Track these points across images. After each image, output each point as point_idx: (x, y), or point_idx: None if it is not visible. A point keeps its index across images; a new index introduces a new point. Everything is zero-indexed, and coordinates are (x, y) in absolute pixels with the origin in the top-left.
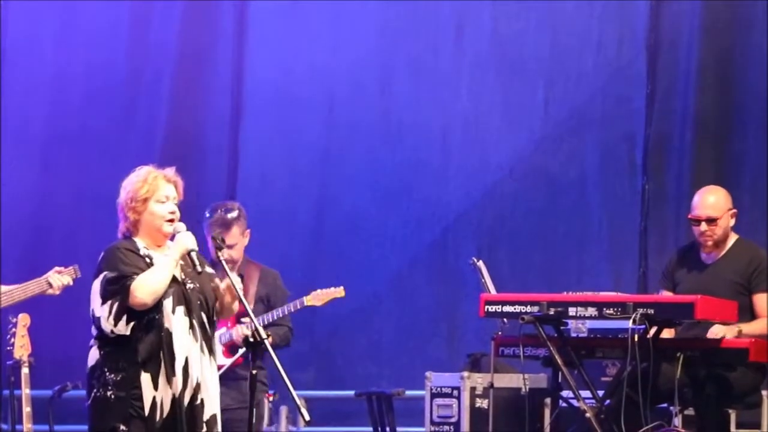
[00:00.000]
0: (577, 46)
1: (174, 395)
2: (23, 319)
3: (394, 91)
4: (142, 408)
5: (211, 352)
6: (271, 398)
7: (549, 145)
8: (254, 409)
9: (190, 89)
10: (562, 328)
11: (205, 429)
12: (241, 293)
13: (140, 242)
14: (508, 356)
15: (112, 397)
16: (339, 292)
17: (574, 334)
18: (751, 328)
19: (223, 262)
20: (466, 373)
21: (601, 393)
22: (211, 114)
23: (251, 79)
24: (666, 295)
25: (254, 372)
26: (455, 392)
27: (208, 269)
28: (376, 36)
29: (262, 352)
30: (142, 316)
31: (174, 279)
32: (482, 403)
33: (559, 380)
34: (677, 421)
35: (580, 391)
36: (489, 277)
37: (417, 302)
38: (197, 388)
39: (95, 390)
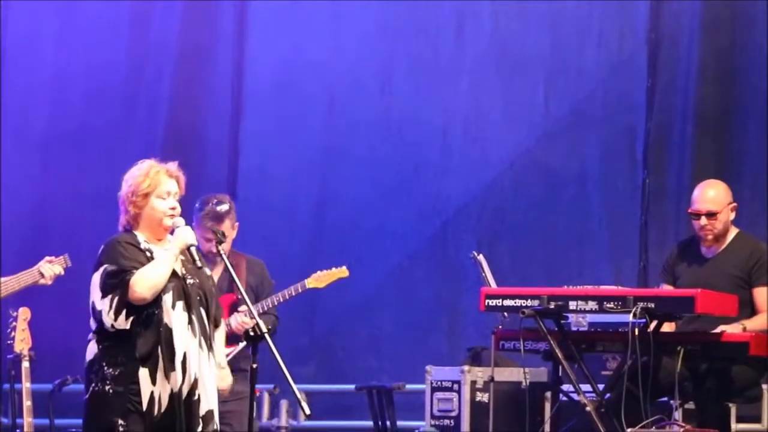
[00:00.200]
0: (577, 41)
1: (172, 390)
2: (24, 313)
3: (394, 87)
4: (140, 403)
5: (210, 347)
6: (258, 393)
7: (549, 139)
8: (253, 405)
9: (191, 86)
10: (562, 321)
11: (201, 424)
12: (242, 288)
13: (141, 236)
14: (508, 350)
15: (110, 391)
16: (342, 271)
17: (574, 328)
18: (753, 324)
19: (224, 256)
20: (466, 367)
21: (601, 387)
22: (212, 111)
23: (251, 76)
24: (666, 289)
25: (255, 366)
26: (456, 386)
27: (206, 270)
28: (376, 32)
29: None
30: (142, 311)
31: (174, 274)
32: (483, 397)
33: (560, 374)
34: (677, 414)
35: (581, 385)
36: (489, 271)
37: (417, 296)
38: (194, 384)
39: (93, 384)
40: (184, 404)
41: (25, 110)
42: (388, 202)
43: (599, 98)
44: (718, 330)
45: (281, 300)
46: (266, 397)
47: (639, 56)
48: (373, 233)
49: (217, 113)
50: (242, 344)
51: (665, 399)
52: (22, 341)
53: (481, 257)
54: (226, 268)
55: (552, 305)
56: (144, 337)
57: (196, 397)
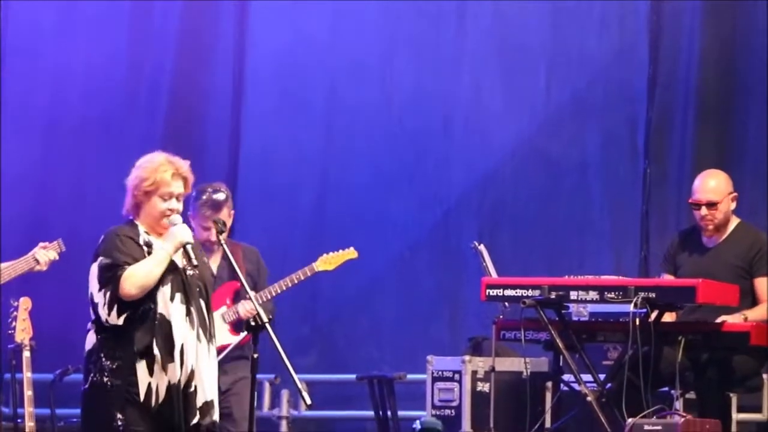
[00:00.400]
0: (578, 29)
1: (170, 382)
2: (24, 303)
3: (395, 75)
4: (138, 394)
5: (209, 339)
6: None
7: (550, 128)
8: (254, 394)
9: (192, 74)
10: (563, 311)
11: (198, 416)
12: (243, 278)
13: (141, 226)
14: (509, 340)
15: (109, 384)
16: (350, 253)
17: (575, 318)
18: (755, 314)
19: (225, 246)
20: (467, 357)
21: (602, 377)
22: (213, 98)
23: (253, 63)
24: (667, 278)
25: (255, 356)
26: (456, 376)
27: (205, 259)
28: (378, 20)
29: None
30: (137, 307)
31: (174, 265)
32: (483, 387)
33: (561, 364)
34: (678, 404)
35: (582, 375)
36: (490, 261)
37: (418, 286)
38: (191, 376)
39: (92, 374)
40: (182, 395)
41: (25, 100)
42: (389, 191)
43: (600, 87)
44: (719, 320)
45: (289, 285)
46: (267, 387)
47: (640, 45)
48: (374, 222)
49: (219, 101)
50: (243, 333)
51: (666, 389)
52: (23, 331)
53: (482, 247)
54: (224, 257)
55: (553, 295)
56: (141, 332)
57: (192, 389)
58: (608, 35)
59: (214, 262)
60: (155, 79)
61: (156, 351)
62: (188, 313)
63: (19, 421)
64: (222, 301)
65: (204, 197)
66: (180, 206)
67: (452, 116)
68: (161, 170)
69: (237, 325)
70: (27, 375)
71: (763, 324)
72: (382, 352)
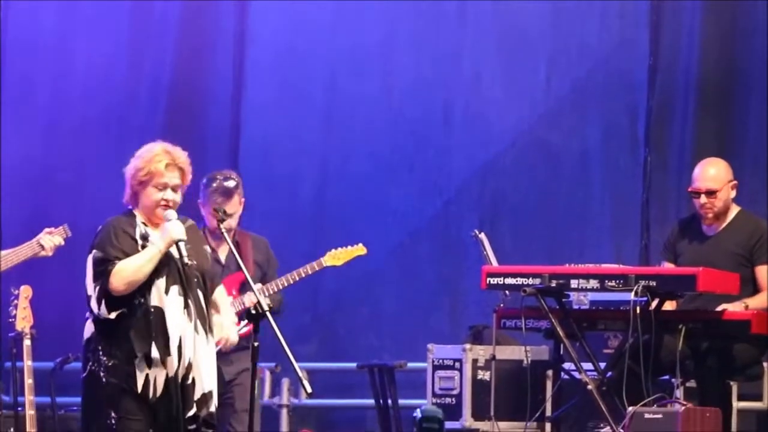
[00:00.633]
0: (579, 18)
1: (168, 375)
2: (25, 291)
3: (395, 65)
4: (135, 385)
5: (207, 330)
6: (260, 373)
7: (551, 117)
8: (255, 384)
9: (193, 61)
10: (563, 300)
11: (195, 407)
12: (244, 267)
13: (140, 216)
14: (510, 328)
15: (105, 381)
16: (359, 249)
17: (575, 306)
18: (756, 302)
19: (225, 235)
20: (468, 345)
21: (602, 365)
22: (213, 87)
23: (253, 54)
24: (668, 266)
25: (256, 345)
26: (457, 364)
27: (206, 247)
28: (378, 8)
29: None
30: (129, 303)
31: (170, 257)
32: (484, 375)
33: (561, 352)
34: (679, 393)
35: (582, 363)
36: (491, 249)
37: (419, 274)
38: (189, 368)
39: (90, 363)
40: (180, 388)
41: (26, 90)
42: (389, 181)
43: (601, 76)
44: (719, 308)
45: (297, 278)
46: (268, 376)
47: (641, 34)
48: (374, 211)
49: (219, 92)
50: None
51: (666, 377)
52: (23, 319)
53: (482, 235)
54: (235, 242)
55: (553, 283)
56: (135, 329)
57: (189, 381)
58: (609, 25)
59: (224, 252)
60: (155, 71)
61: (154, 347)
62: (186, 305)
63: (19, 409)
64: (228, 292)
65: (214, 185)
66: (176, 197)
67: (452, 106)
68: (156, 160)
69: (242, 316)
70: (27, 363)
71: (763, 312)
72: (383, 340)
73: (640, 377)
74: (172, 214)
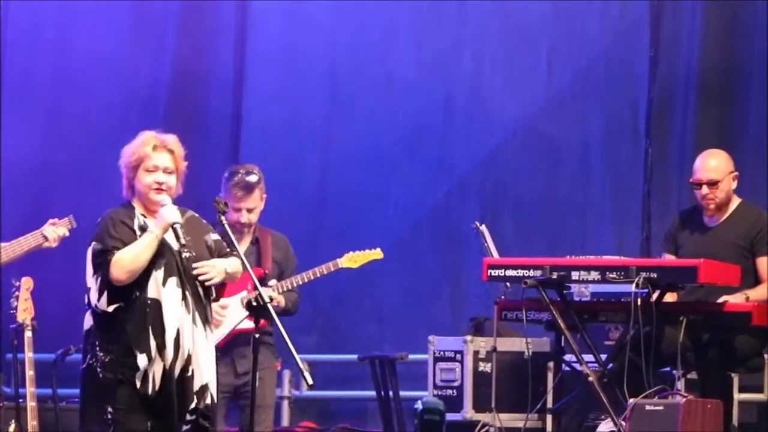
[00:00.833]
0: (580, 9)
1: (165, 367)
2: (26, 283)
3: (396, 55)
4: (134, 377)
5: (206, 322)
6: (279, 367)
7: (552, 108)
8: (257, 375)
9: (193, 56)
10: (565, 292)
11: (195, 400)
12: (246, 263)
13: (138, 208)
14: (511, 320)
15: (102, 376)
16: (376, 253)
17: (577, 298)
18: (756, 294)
19: (226, 227)
20: (469, 337)
21: (604, 357)
22: (214, 77)
23: (254, 44)
24: (668, 258)
25: (257, 336)
26: (458, 356)
27: (213, 236)
28: None
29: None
30: (127, 296)
31: (168, 249)
32: (485, 367)
33: (562, 344)
34: (680, 384)
35: (583, 355)
36: (492, 241)
37: (420, 266)
38: (188, 360)
39: (89, 356)
40: (178, 380)
41: (26, 79)
42: (391, 172)
43: (602, 67)
44: (720, 300)
45: (312, 277)
46: (287, 372)
47: (641, 25)
48: (375, 203)
49: (220, 82)
50: (243, 315)
51: (668, 369)
52: (24, 311)
53: (483, 227)
54: (253, 242)
55: (554, 275)
56: (132, 322)
57: (189, 373)
58: (609, 16)
59: (243, 246)
60: (157, 60)
61: (151, 340)
62: (184, 297)
63: (20, 401)
64: (243, 286)
65: (236, 178)
66: (170, 179)
67: (453, 97)
68: (144, 144)
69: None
70: (29, 355)
71: (764, 304)
72: (384, 332)
73: (641, 369)
74: (165, 198)
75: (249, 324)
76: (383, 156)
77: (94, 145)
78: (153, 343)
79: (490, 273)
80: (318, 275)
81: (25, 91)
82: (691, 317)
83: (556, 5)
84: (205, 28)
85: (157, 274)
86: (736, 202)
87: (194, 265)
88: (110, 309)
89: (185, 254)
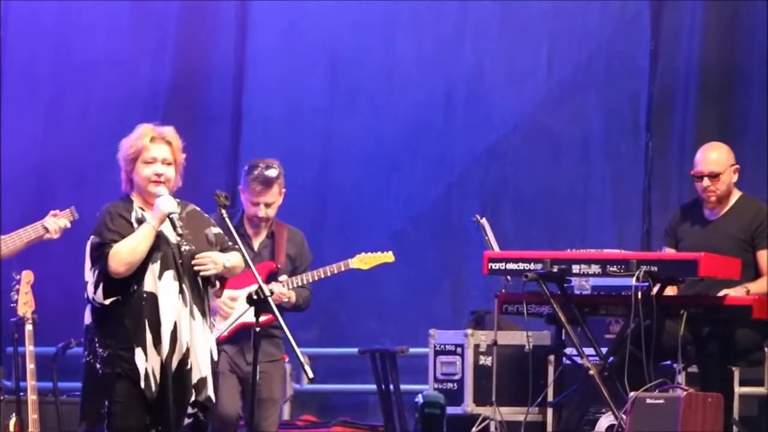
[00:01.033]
0: (580, 3)
1: (162, 361)
2: (27, 276)
3: (397, 49)
4: (132, 371)
5: (204, 315)
6: (287, 359)
7: (552, 102)
8: (258, 369)
9: (194, 48)
10: (565, 285)
11: (194, 393)
12: (248, 259)
13: (137, 201)
14: (511, 313)
15: (100, 372)
16: (387, 256)
17: (577, 292)
18: (757, 287)
19: (227, 220)
20: (469, 331)
21: (604, 350)
22: (215, 71)
23: (254, 37)
24: (669, 252)
25: (258, 329)
26: (459, 349)
27: (215, 229)
28: None
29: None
30: (124, 290)
31: (165, 241)
32: (486, 361)
33: (563, 337)
34: (680, 378)
35: (584, 349)
36: (492, 235)
37: (421, 260)
38: (186, 353)
39: (88, 352)
40: (176, 373)
41: (27, 72)
42: (391, 165)
43: (602, 61)
44: (721, 293)
45: (322, 276)
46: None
47: (642, 19)
48: (376, 196)
49: (221, 76)
50: (247, 308)
51: (668, 362)
52: (25, 304)
53: (484, 221)
54: (268, 236)
55: (555, 269)
56: (130, 315)
57: (188, 366)
58: (610, 10)
59: (258, 239)
60: (157, 55)
61: (147, 335)
62: (181, 290)
63: (21, 394)
64: (254, 278)
65: (255, 172)
66: (168, 171)
67: (454, 91)
68: (141, 136)
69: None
70: (29, 348)
71: (764, 297)
72: (385, 325)
73: (641, 362)
74: (162, 189)
75: (262, 316)
76: (384, 150)
77: (95, 143)
78: (149, 337)
79: (491, 266)
80: (328, 274)
81: (25, 88)
82: (692, 311)
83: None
84: (206, 24)
85: (154, 267)
86: (736, 195)
87: (197, 256)
88: (107, 302)
89: (184, 247)
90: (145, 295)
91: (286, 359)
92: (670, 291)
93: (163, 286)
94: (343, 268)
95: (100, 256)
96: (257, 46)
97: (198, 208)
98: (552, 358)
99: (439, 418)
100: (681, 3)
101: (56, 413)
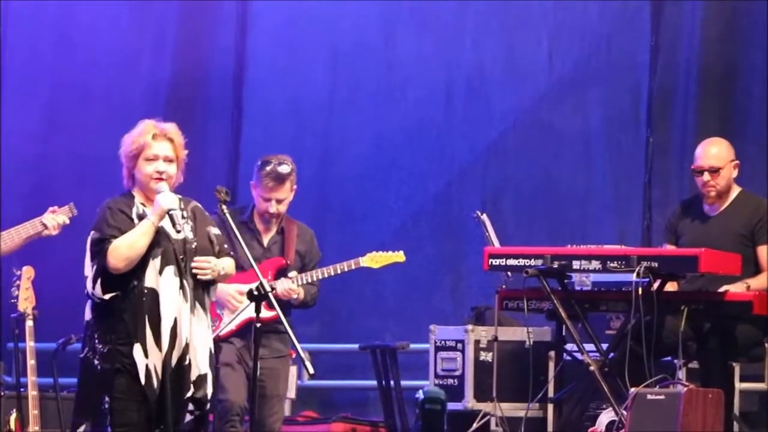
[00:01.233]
0: None
1: (163, 358)
2: (27, 272)
3: (397, 44)
4: (132, 366)
5: (204, 310)
6: (293, 355)
7: (553, 97)
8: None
9: (194, 44)
10: (566, 281)
11: (192, 389)
12: (251, 260)
13: (138, 197)
14: (512, 309)
15: (99, 367)
16: (398, 256)
17: (578, 288)
18: (757, 282)
19: (227, 216)
20: (470, 327)
21: (605, 346)
22: (215, 68)
23: (255, 34)
24: (669, 248)
25: (258, 325)
26: (459, 345)
27: (214, 230)
28: None
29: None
30: (124, 285)
31: (166, 237)
32: (486, 356)
33: (563, 333)
34: (681, 374)
35: (584, 344)
36: (493, 231)
37: (421, 256)
38: (185, 349)
39: (87, 348)
40: (176, 369)
41: (28, 68)
42: (392, 161)
43: (603, 56)
44: (721, 289)
45: (332, 273)
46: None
47: (643, 14)
48: (376, 192)
49: (221, 68)
50: (247, 304)
51: (669, 358)
52: (25, 300)
53: (484, 217)
54: (278, 232)
55: (555, 265)
56: (130, 311)
57: (187, 362)
58: (610, 4)
59: (269, 235)
60: (157, 52)
61: (147, 331)
62: (182, 286)
63: (21, 390)
64: (264, 275)
65: (268, 168)
66: (169, 168)
67: (455, 86)
68: (144, 132)
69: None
70: (30, 344)
71: (765, 293)
72: (385, 321)
73: (642, 358)
74: (162, 185)
75: (269, 312)
76: (384, 146)
77: (95, 139)
78: (149, 334)
79: (491, 262)
80: (338, 272)
81: (25, 87)
82: (692, 306)
83: None
84: (206, 19)
85: (155, 263)
86: (736, 190)
87: (196, 258)
88: (107, 297)
89: (179, 229)
90: (146, 291)
91: (293, 355)
92: (671, 287)
93: (164, 281)
94: (353, 266)
95: (99, 252)
96: (257, 42)
97: (200, 206)
98: (552, 353)
99: (439, 413)
100: None
101: (57, 409)
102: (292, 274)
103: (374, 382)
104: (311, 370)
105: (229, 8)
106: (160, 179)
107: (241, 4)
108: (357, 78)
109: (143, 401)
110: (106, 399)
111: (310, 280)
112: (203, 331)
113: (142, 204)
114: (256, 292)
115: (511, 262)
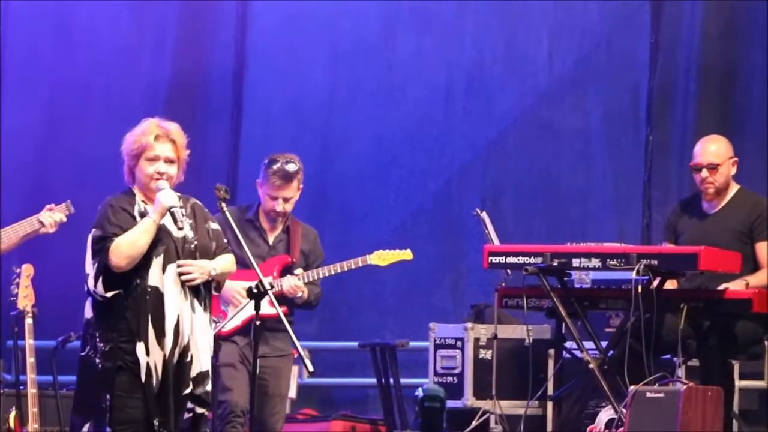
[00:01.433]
0: None
1: (165, 356)
2: (27, 270)
3: (397, 42)
4: (133, 364)
5: (205, 308)
6: (296, 354)
7: (553, 96)
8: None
9: (194, 42)
10: (565, 279)
11: (191, 386)
12: (251, 257)
13: (139, 195)
14: (511, 307)
15: (100, 366)
16: (406, 254)
17: (577, 285)
18: (757, 280)
19: (227, 214)
20: (469, 324)
21: (604, 344)
22: (215, 67)
23: (255, 33)
24: (669, 246)
25: (258, 323)
26: (459, 343)
27: (213, 225)
28: None
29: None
30: (127, 283)
31: (168, 235)
32: (486, 354)
33: (563, 331)
34: (681, 372)
35: (584, 342)
36: (493, 229)
37: (421, 253)
38: (186, 347)
39: (88, 346)
40: (176, 366)
41: (27, 68)
42: (391, 159)
43: (603, 55)
44: (721, 287)
45: (338, 270)
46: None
47: (643, 13)
48: (376, 190)
49: (221, 67)
50: (245, 302)
51: (668, 356)
52: (25, 298)
53: (484, 214)
54: (284, 230)
55: (555, 262)
56: (132, 309)
57: (188, 359)
58: (610, 3)
59: (274, 233)
60: (157, 52)
61: (150, 329)
62: (183, 284)
63: (21, 388)
64: (269, 273)
65: (275, 167)
66: (170, 169)
67: (454, 85)
68: (147, 133)
69: (277, 299)
70: (29, 342)
71: (764, 290)
72: (385, 319)
73: (641, 356)
74: (163, 183)
75: (271, 310)
76: (384, 144)
77: (95, 138)
78: (152, 332)
79: (491, 260)
80: (345, 269)
81: (25, 86)
82: (692, 304)
83: None
84: (206, 18)
85: (157, 261)
86: (734, 188)
87: (178, 262)
88: (109, 295)
89: (181, 227)
90: (149, 290)
91: (296, 354)
92: (670, 284)
93: (167, 279)
94: (360, 264)
95: (101, 249)
96: (257, 41)
97: (199, 202)
98: (552, 351)
99: (439, 411)
100: None
101: (56, 407)
102: (298, 271)
103: (374, 380)
104: (311, 368)
105: (229, 7)
106: (160, 178)
107: (241, 4)
108: (357, 77)
109: (144, 399)
110: (107, 397)
111: (316, 277)
112: (204, 328)
113: (143, 202)
114: (255, 290)
115: (511, 260)
